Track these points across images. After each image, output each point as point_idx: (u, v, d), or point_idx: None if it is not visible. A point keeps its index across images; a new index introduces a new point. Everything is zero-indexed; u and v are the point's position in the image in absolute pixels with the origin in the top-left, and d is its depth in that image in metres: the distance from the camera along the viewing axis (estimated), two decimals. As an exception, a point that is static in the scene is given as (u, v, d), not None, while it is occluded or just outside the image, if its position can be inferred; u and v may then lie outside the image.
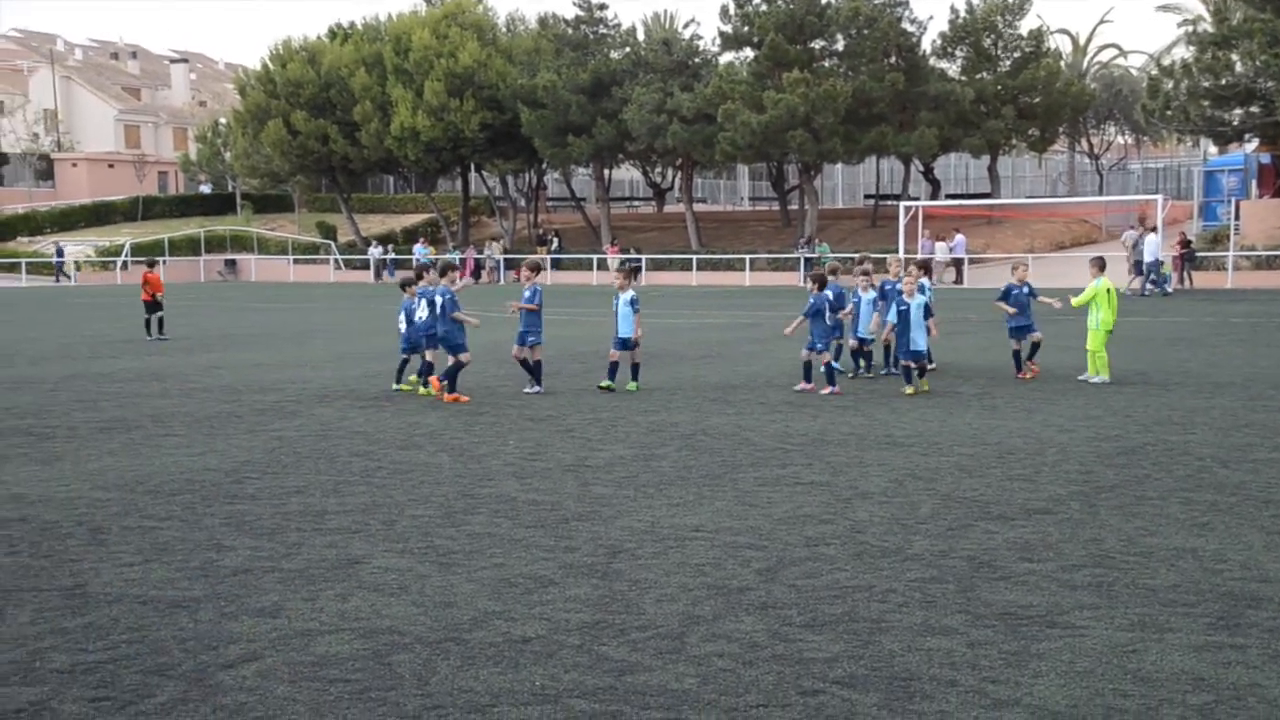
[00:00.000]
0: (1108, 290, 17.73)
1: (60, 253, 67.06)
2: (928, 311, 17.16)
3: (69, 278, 65.28)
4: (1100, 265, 18.12)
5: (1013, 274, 18.81)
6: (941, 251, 53.02)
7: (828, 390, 16.70)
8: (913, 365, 16.91)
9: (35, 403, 16.33)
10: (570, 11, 66.10)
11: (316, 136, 67.10)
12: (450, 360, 16.39)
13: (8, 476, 11.24)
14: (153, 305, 27.81)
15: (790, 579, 7.79)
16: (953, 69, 61.89)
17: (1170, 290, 42.54)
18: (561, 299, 42.02)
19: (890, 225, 58.37)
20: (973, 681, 6.03)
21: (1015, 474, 11.14)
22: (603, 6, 65.08)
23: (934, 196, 67.08)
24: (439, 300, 16.41)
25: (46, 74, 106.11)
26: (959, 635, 6.71)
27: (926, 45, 61.25)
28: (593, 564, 8.16)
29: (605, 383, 17.27)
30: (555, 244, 66.03)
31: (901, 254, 50.33)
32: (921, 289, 18.31)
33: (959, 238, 54.17)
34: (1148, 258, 42.80)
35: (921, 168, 66.49)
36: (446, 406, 15.83)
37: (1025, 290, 18.41)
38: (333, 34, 71.76)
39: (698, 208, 71.31)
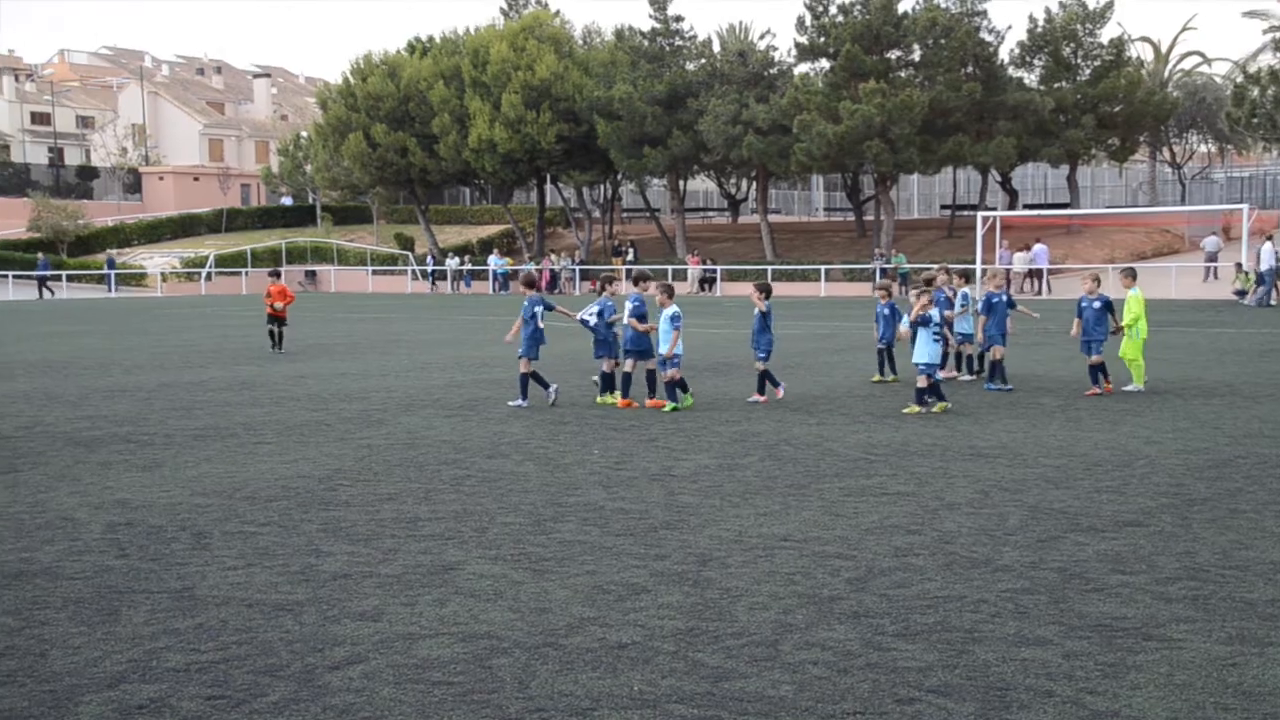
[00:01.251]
0: (1141, 300, 17.94)
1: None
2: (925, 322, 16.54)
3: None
4: (1132, 276, 18.25)
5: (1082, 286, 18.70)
6: (1020, 262, 52.58)
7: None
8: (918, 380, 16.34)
9: (133, 411, 16.73)
10: (646, 24, 66.40)
11: (395, 149, 67.93)
12: (624, 368, 16.77)
13: (112, 482, 11.56)
14: (275, 317, 26.64)
15: (881, 589, 7.84)
16: (1031, 78, 61.39)
17: (1275, 302, 41.95)
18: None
19: (967, 236, 58.01)
20: (1069, 692, 6.06)
21: (1104, 486, 11.10)
22: (679, 19, 65.29)
23: (1011, 206, 66.52)
24: (629, 307, 16.84)
25: (136, 90, 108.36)
26: (1054, 646, 6.73)
27: (1004, 54, 60.88)
28: (683, 572, 8.26)
29: (669, 405, 16.43)
30: (630, 255, 66.27)
31: (979, 264, 50.00)
32: (964, 299, 19.38)
33: (1038, 247, 53.67)
34: (1263, 265, 42.08)
35: (999, 177, 65.97)
36: (529, 415, 15.99)
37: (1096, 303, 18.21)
38: (412, 48, 72.63)
39: (772, 218, 71.24)
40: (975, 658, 6.56)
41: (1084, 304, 18.09)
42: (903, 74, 59.05)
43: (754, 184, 70.68)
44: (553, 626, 7.11)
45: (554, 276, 64.95)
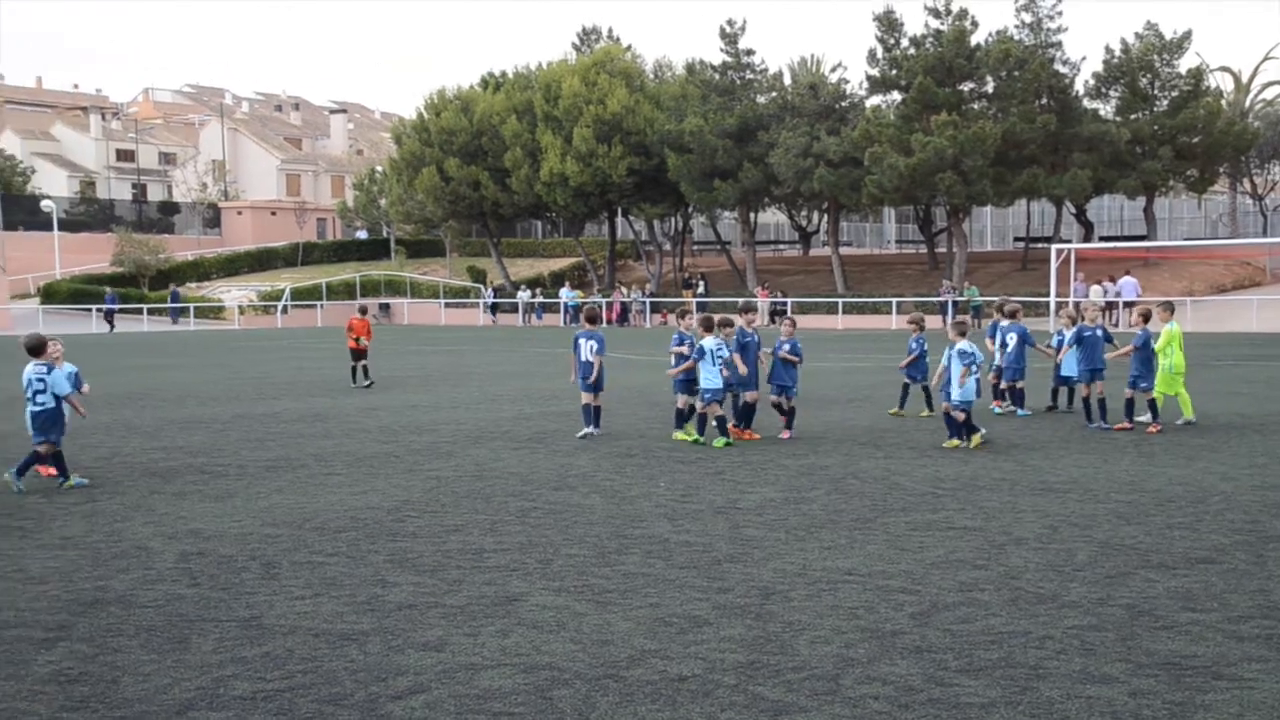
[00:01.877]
0: (1178, 335, 18.02)
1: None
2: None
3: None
4: (1170, 309, 18.27)
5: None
6: (1097, 294, 52.00)
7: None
8: (955, 415, 15.96)
9: (207, 442, 17.00)
10: (717, 57, 66.66)
11: (468, 183, 68.62)
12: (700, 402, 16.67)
13: (185, 512, 11.76)
14: (358, 352, 26.28)
15: (944, 623, 7.79)
16: (1107, 109, 60.85)
17: None
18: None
19: (1041, 268, 57.45)
20: (1134, 730, 5.98)
21: (1176, 522, 10.94)
22: (750, 52, 65.50)
23: (1087, 239, 65.86)
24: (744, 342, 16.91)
25: (216, 127, 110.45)
26: (1120, 684, 6.65)
27: (1079, 86, 60.38)
28: (746, 605, 8.25)
29: (720, 441, 16.13)
30: (701, 287, 66.34)
31: (1054, 297, 49.51)
32: (1021, 334, 19.37)
33: (1126, 280, 52.98)
34: None
35: (1074, 209, 65.37)
36: (596, 448, 16.04)
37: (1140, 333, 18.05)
38: (485, 83, 73.42)
39: (844, 251, 71.04)
40: (1039, 694, 6.50)
41: (1086, 333, 18.17)
42: (975, 106, 58.78)
43: (825, 216, 70.58)
44: (614, 658, 7.14)
45: (624, 309, 65.18)
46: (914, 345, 19.55)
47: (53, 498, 12.64)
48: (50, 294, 70.36)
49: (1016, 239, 76.75)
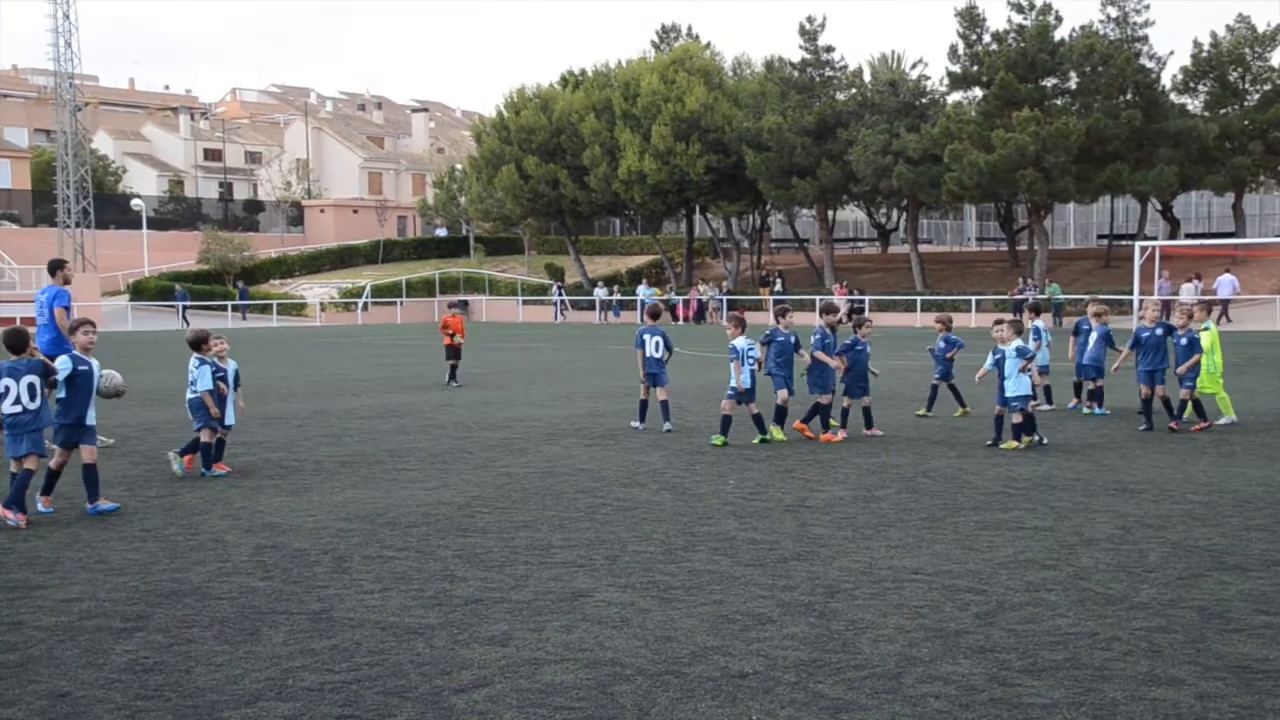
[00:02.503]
0: (1216, 336, 18.17)
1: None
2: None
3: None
4: (1207, 310, 18.42)
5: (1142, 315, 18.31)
6: (1187, 293, 51.14)
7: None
8: (1010, 415, 15.75)
9: (285, 437, 17.28)
10: (797, 54, 66.42)
11: (547, 181, 68.96)
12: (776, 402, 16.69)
13: (262, 506, 11.97)
14: (453, 350, 25.96)
15: (1010, 624, 7.74)
16: (1195, 104, 59.80)
17: None
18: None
19: (1124, 266, 56.67)
20: (1197, 733, 5.92)
21: (1253, 524, 10.78)
22: (829, 49, 65.19)
23: (1173, 236, 64.73)
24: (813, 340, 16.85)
25: (300, 126, 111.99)
26: (1187, 687, 6.58)
27: (1166, 80, 59.41)
28: (810, 603, 8.26)
29: (718, 438, 16.05)
30: (778, 285, 66.16)
31: (1137, 295, 48.76)
32: (1105, 334, 19.04)
33: (1225, 277, 52.02)
34: None
35: (1159, 206, 64.32)
36: (668, 445, 16.09)
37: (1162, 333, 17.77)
38: (565, 81, 73.73)
39: (923, 248, 70.50)
40: (1104, 696, 6.45)
41: (1144, 334, 17.80)
42: (1058, 101, 58.02)
43: (904, 214, 70.09)
44: (676, 655, 7.18)
45: (701, 307, 65.16)
46: (943, 345, 19.51)
47: (135, 491, 12.93)
48: (139, 291, 71.78)
49: (1100, 236, 75.69)
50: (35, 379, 11.25)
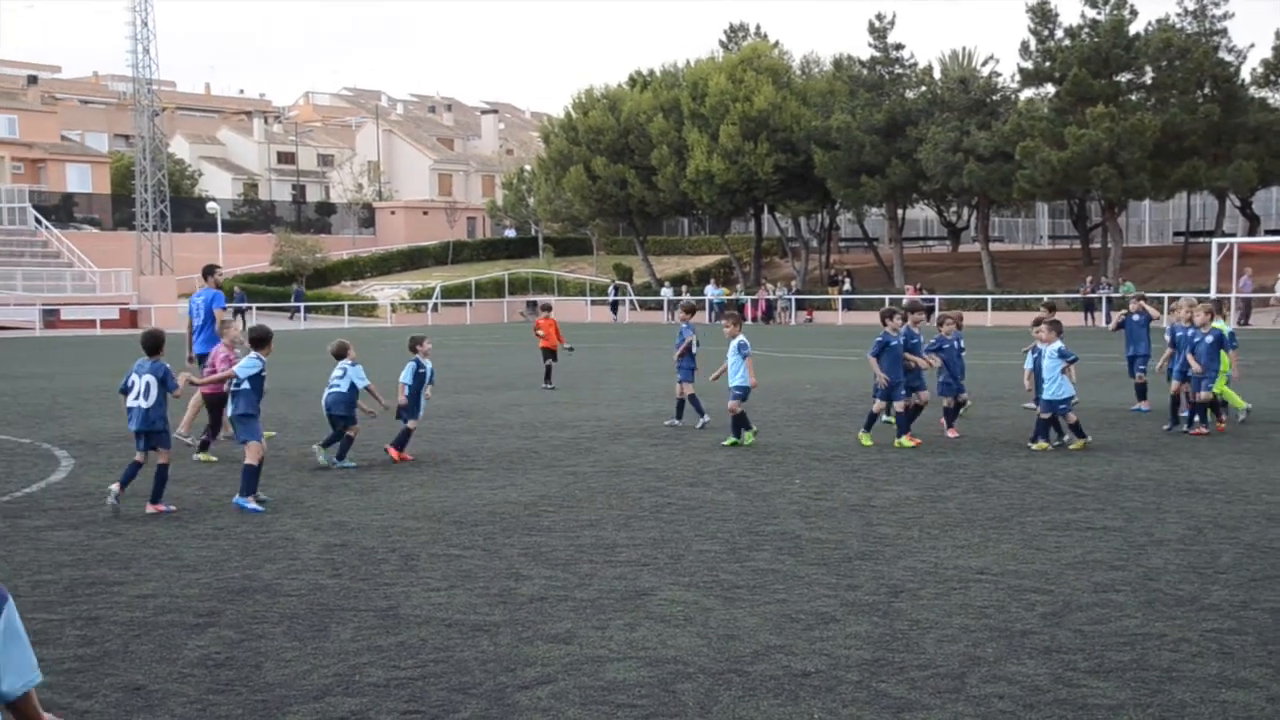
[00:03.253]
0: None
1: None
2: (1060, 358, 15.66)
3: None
4: (1210, 311, 17.90)
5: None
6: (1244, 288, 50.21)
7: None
8: (1046, 418, 15.52)
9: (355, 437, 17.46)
10: (866, 52, 66.06)
11: (615, 181, 69.11)
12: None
13: (331, 505, 12.14)
14: (549, 351, 25.79)
15: (1076, 624, 7.69)
16: (1276, 98, 58.70)
17: None
18: (852, 338, 41.86)
19: (1201, 264, 55.79)
20: (1265, 735, 5.85)
21: (1328, 525, 10.60)
22: (899, 46, 64.81)
23: (1252, 232, 63.64)
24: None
25: (372, 129, 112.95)
26: (1258, 689, 6.50)
27: (1245, 74, 58.39)
28: (874, 602, 8.24)
29: (731, 439, 16.09)
30: (847, 284, 65.84)
31: (1214, 294, 47.95)
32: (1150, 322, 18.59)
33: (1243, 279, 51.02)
34: None
35: (1238, 202, 63.28)
36: (732, 447, 16.08)
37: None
38: (633, 81, 73.84)
39: (994, 247, 69.84)
40: (1171, 698, 6.39)
41: (1192, 336, 17.28)
42: (1133, 97, 57.25)
43: (974, 212, 69.49)
44: (739, 653, 7.20)
45: (770, 306, 64.97)
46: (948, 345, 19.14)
47: (209, 490, 13.15)
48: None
49: (1176, 233, 74.60)
50: (154, 380, 11.76)
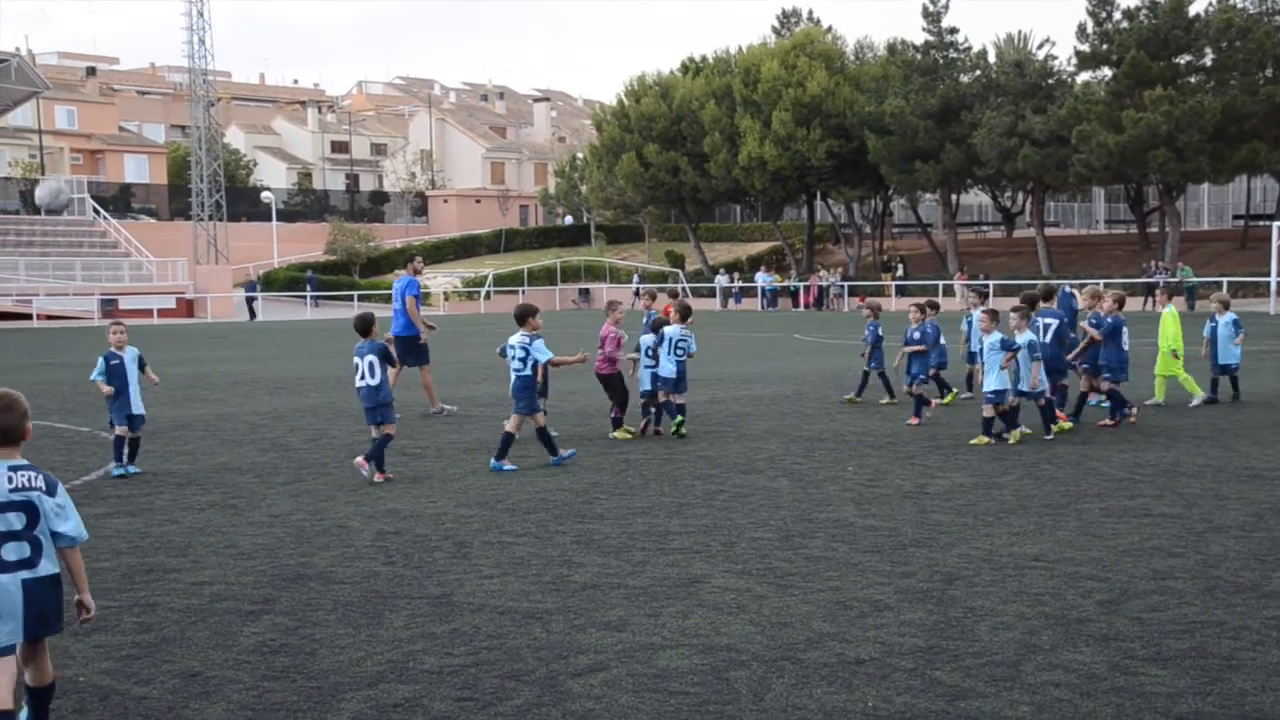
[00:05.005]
0: (1171, 316, 18.02)
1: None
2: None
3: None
4: (1170, 293, 17.82)
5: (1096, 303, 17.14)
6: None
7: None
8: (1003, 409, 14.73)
9: (408, 425, 17.53)
10: (919, 37, 65.59)
11: (667, 168, 69.05)
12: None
13: (384, 492, 12.20)
14: None
15: (1134, 612, 7.60)
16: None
17: None
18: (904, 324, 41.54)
19: (1262, 248, 54.99)
20: (1328, 726, 5.75)
21: (1392, 512, 10.42)
22: (953, 30, 64.27)
23: (1314, 215, 62.66)
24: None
25: (424, 118, 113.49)
26: (1319, 678, 6.40)
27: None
28: (928, 590, 8.18)
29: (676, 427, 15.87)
30: (900, 270, 65.45)
31: (1274, 278, 47.23)
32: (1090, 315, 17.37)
33: None
34: None
35: (1299, 185, 62.34)
36: (786, 432, 16.03)
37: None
38: (685, 68, 73.75)
39: (1049, 231, 69.20)
40: (1231, 685, 6.31)
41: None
42: (1193, 79, 56.47)
43: (1029, 197, 68.85)
44: (792, 641, 7.17)
45: (821, 293, 64.70)
46: (869, 332, 19.06)
47: (264, 477, 13.25)
48: (269, 282, 73.45)
49: (1235, 217, 73.56)
50: (375, 358, 12.79)
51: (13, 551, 5.53)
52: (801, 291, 65.47)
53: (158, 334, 48.28)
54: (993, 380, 14.66)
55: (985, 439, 14.65)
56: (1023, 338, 14.92)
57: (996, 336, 14.76)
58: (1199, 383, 18.27)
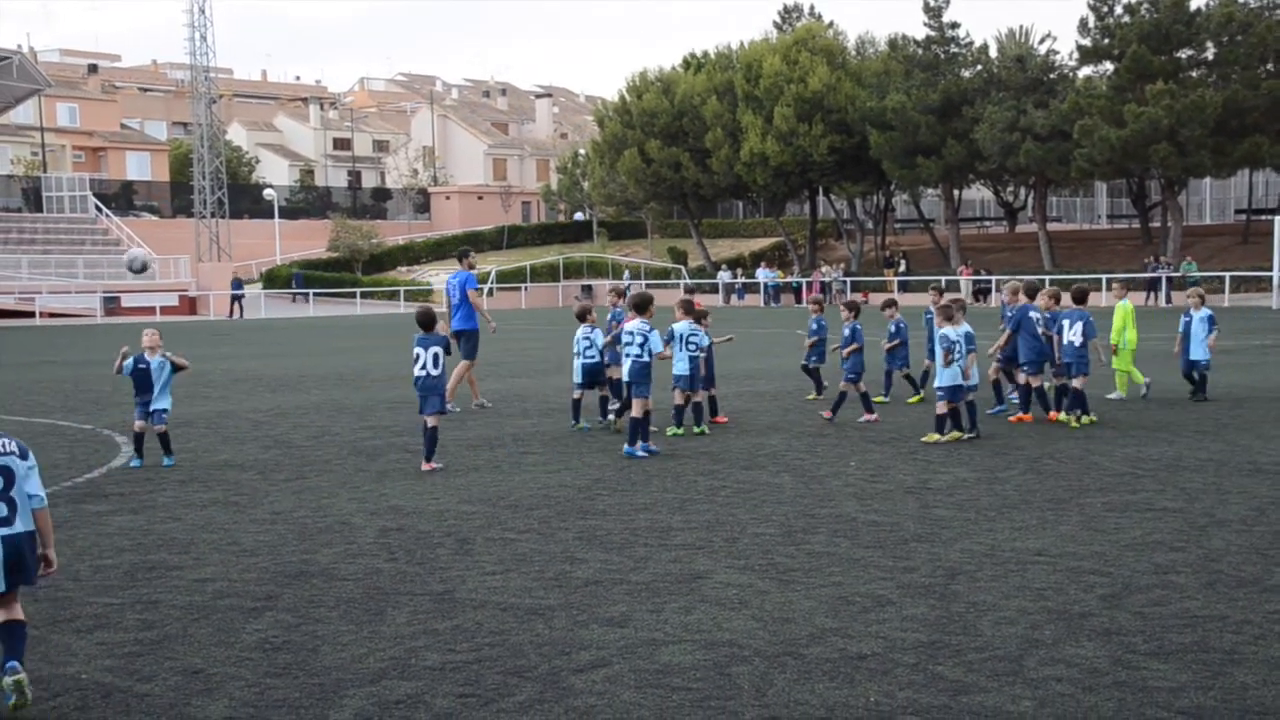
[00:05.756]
0: (1130, 311, 18.10)
1: (237, 285, 69.94)
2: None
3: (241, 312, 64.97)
4: (1125, 287, 18.79)
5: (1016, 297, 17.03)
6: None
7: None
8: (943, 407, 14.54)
9: (412, 422, 17.49)
10: (921, 32, 65.49)
11: (669, 164, 69.01)
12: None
13: (388, 489, 12.21)
14: None
15: (1136, 606, 7.60)
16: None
17: None
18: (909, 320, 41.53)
19: (1264, 242, 54.91)
20: (1331, 720, 5.75)
21: (1395, 506, 10.41)
22: (954, 25, 64.20)
23: (1316, 209, 62.60)
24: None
25: (426, 114, 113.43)
26: (1321, 672, 6.40)
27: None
28: (930, 585, 8.19)
29: (675, 430, 15.68)
30: (902, 266, 65.41)
31: (1277, 272, 47.15)
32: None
33: None
34: None
35: (1301, 178, 62.24)
36: (789, 427, 16.03)
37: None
38: (686, 64, 73.68)
39: (1052, 227, 69.16)
40: (1233, 680, 6.31)
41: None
42: (1194, 74, 56.39)
43: (1032, 192, 68.79)
44: (794, 636, 7.17)
45: (824, 288, 64.64)
46: (813, 327, 18.78)
47: (266, 474, 13.26)
48: (271, 279, 73.48)
49: (1238, 211, 73.47)
50: (439, 350, 13.50)
51: None
52: (804, 287, 65.42)
53: (161, 331, 48.24)
54: (944, 376, 14.59)
55: (936, 435, 14.53)
56: (956, 331, 14.66)
57: (943, 332, 14.71)
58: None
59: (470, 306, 18.93)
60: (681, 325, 15.84)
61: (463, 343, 18.79)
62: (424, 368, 13.41)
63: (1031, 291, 17.01)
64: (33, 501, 6.37)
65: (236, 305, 64.38)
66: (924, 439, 14.59)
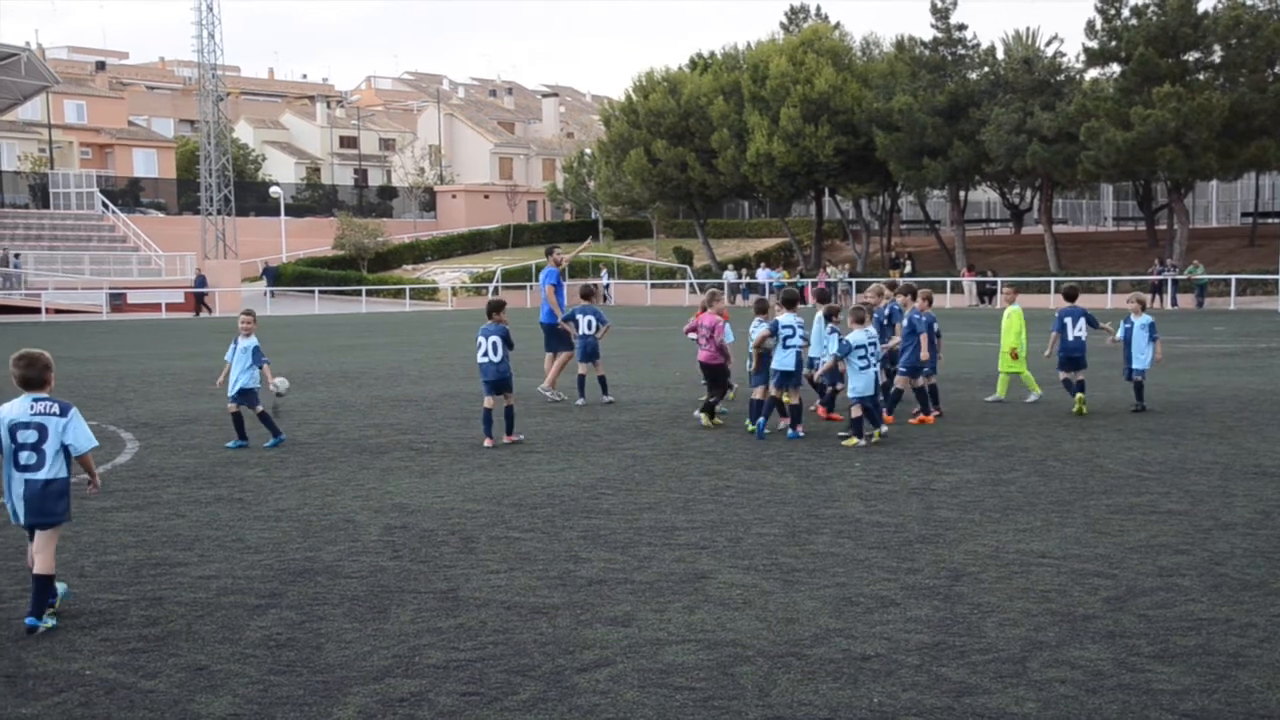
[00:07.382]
0: (1014, 315, 18.45)
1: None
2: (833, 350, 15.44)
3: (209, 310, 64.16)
4: (1016, 291, 19.26)
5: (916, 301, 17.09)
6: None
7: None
8: (859, 411, 14.59)
9: (416, 420, 17.58)
10: (928, 33, 65.43)
11: (675, 164, 69.00)
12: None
13: (392, 488, 12.21)
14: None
15: (1140, 609, 7.59)
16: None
17: None
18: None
19: (1271, 245, 54.93)
20: (1334, 724, 5.75)
21: (1400, 510, 10.40)
22: (961, 27, 64.12)
23: (1322, 212, 62.49)
24: None
25: (433, 113, 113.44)
26: (1326, 676, 6.39)
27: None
28: (934, 586, 8.19)
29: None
30: (908, 267, 65.34)
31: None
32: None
33: None
34: None
35: (1309, 182, 62.13)
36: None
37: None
38: (693, 64, 73.69)
39: (1058, 229, 69.03)
40: (1237, 683, 6.30)
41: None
42: (1201, 76, 56.28)
43: (1038, 194, 68.71)
44: (798, 636, 7.17)
45: (829, 288, 64.63)
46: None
47: (271, 471, 13.27)
48: (277, 277, 73.50)
49: (1244, 214, 73.36)
50: (499, 338, 14.89)
51: (26, 458, 7.60)
52: (809, 287, 65.37)
53: (165, 328, 48.38)
54: (855, 381, 14.65)
55: (855, 439, 14.49)
56: (868, 334, 14.88)
57: (850, 336, 14.89)
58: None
59: (550, 301, 19.85)
60: (787, 317, 15.33)
61: (546, 336, 19.71)
62: (485, 354, 14.85)
63: (911, 292, 17.34)
64: (72, 450, 7.75)
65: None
66: (845, 444, 14.50)
